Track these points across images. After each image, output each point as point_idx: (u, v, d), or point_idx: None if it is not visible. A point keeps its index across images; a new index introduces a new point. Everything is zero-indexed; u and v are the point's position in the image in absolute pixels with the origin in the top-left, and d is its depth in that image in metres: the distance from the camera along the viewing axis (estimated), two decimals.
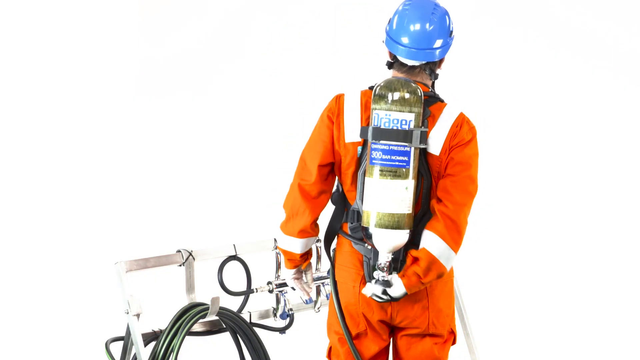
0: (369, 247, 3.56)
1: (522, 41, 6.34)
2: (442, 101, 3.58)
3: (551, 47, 6.29)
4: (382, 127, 3.44)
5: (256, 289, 4.15)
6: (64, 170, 6.36)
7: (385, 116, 3.44)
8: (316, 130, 3.62)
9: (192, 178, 6.74)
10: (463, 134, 3.54)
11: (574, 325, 6.10)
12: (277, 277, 4.20)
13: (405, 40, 3.53)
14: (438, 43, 3.55)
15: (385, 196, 3.44)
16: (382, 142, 3.43)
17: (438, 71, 3.62)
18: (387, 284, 3.48)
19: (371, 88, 3.57)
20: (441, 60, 3.62)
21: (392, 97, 3.44)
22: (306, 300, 3.97)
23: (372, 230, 3.47)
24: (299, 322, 4.29)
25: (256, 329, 4.12)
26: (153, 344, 3.86)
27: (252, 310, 4.19)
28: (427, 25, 3.53)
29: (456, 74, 6.27)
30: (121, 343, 3.91)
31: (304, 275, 3.81)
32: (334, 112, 3.57)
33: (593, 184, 6.24)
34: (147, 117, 6.79)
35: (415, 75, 3.58)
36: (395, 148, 3.43)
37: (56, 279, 6.21)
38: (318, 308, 4.28)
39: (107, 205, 6.56)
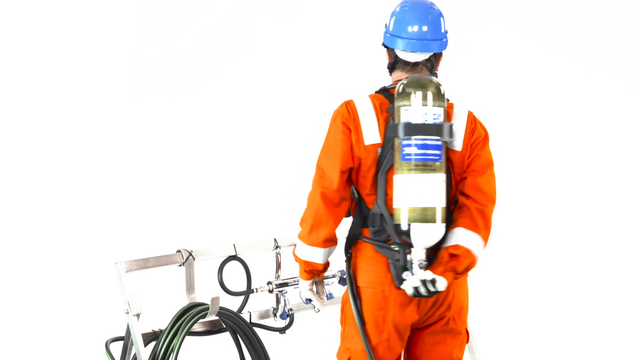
0: (396, 248, 3.55)
1: (522, 41, 6.34)
2: (447, 100, 3.64)
3: (551, 47, 6.30)
4: (415, 122, 3.48)
5: (256, 289, 4.15)
6: (64, 171, 6.36)
7: (417, 111, 3.49)
8: (331, 138, 3.61)
9: (192, 178, 6.74)
10: (480, 130, 3.66)
11: (574, 325, 6.10)
12: (277, 277, 4.20)
13: (406, 34, 3.60)
14: (438, 35, 3.63)
15: (424, 190, 3.48)
16: (415, 137, 3.48)
17: (435, 72, 3.68)
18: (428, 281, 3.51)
19: (379, 92, 3.63)
20: (439, 59, 3.69)
21: (422, 93, 3.50)
22: (307, 300, 3.98)
23: (413, 226, 3.48)
24: (299, 322, 4.29)
25: (256, 329, 4.12)
26: (153, 344, 3.86)
27: (252, 310, 4.19)
28: (427, 18, 3.62)
29: (457, 74, 6.28)
30: (121, 343, 3.91)
31: (315, 285, 3.80)
32: (348, 118, 3.59)
33: (593, 184, 6.24)
34: (147, 117, 6.79)
35: (418, 73, 3.64)
36: (429, 142, 3.49)
37: (56, 279, 6.21)
38: (318, 308, 4.28)
39: (107, 205, 6.56)
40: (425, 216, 3.47)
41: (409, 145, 3.49)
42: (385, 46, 3.68)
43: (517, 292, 6.24)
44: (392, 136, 3.53)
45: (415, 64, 3.63)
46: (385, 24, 3.67)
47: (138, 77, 6.78)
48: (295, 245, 3.71)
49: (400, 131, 3.49)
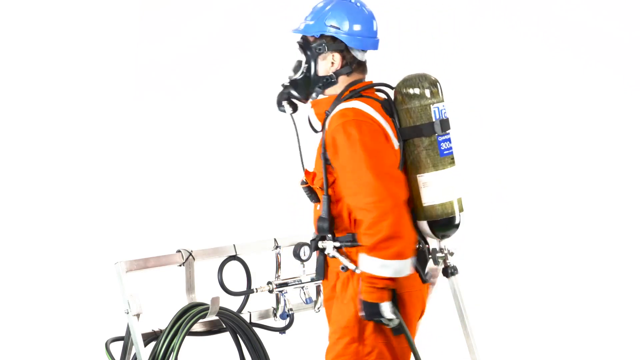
0: (418, 246, 3.59)
1: (521, 41, 6.34)
2: None
3: (550, 47, 6.30)
4: (443, 118, 3.54)
5: (256, 289, 4.15)
6: (64, 171, 6.36)
7: (443, 107, 3.55)
8: (372, 144, 3.47)
9: (191, 178, 6.74)
10: None
11: (574, 325, 6.10)
12: (277, 277, 4.20)
13: (371, 32, 3.59)
14: None
15: (458, 182, 3.58)
16: (445, 132, 3.54)
17: None
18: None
19: (354, 96, 3.55)
20: None
21: (440, 89, 3.56)
22: (307, 300, 3.97)
23: (458, 217, 3.56)
24: (299, 322, 4.29)
25: (256, 329, 4.12)
26: (153, 344, 3.86)
27: (252, 310, 4.18)
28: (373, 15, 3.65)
29: (457, 74, 6.29)
30: (121, 343, 3.91)
31: None
32: (376, 124, 3.52)
33: (593, 184, 6.24)
34: (147, 118, 6.79)
35: (367, 72, 3.64)
36: (449, 136, 3.57)
37: (56, 279, 6.21)
38: (318, 308, 4.28)
39: (107, 205, 6.56)
40: (463, 205, 3.60)
41: (444, 140, 3.54)
42: (345, 49, 3.57)
43: (517, 292, 6.24)
44: (427, 135, 3.53)
45: (365, 63, 3.62)
46: (333, 26, 3.56)
47: (138, 77, 6.78)
48: (371, 273, 3.47)
49: (438, 128, 3.52)
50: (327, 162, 3.54)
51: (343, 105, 3.53)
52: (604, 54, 6.19)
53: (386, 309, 3.49)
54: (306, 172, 3.63)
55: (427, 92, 3.52)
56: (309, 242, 3.71)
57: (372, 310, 3.49)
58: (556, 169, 6.29)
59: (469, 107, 6.27)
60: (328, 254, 3.58)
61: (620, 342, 6.02)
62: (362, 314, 3.51)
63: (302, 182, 3.62)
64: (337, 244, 3.57)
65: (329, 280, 3.63)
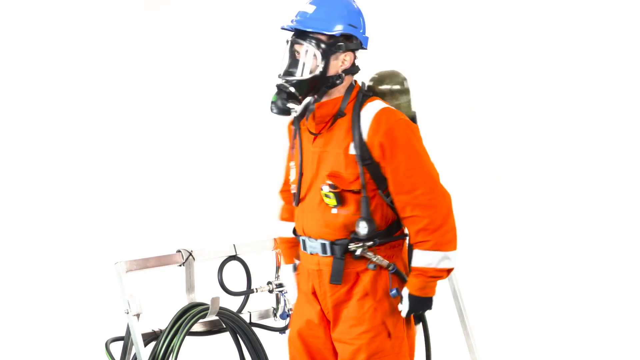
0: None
1: (521, 41, 6.34)
2: None
3: (549, 47, 6.30)
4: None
5: (256, 289, 4.16)
6: (64, 171, 6.36)
7: None
8: (422, 142, 3.52)
9: (192, 178, 6.74)
10: None
11: (574, 324, 6.10)
12: (277, 277, 4.20)
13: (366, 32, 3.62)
14: None
15: None
16: None
17: None
18: None
19: (365, 96, 3.56)
20: None
21: None
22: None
23: None
24: None
25: (256, 329, 4.12)
26: (153, 344, 3.86)
27: (252, 310, 4.19)
28: None
29: (456, 74, 6.28)
30: (121, 343, 3.91)
31: None
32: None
33: (593, 183, 6.24)
34: (147, 118, 6.79)
35: None
36: None
37: (56, 279, 6.22)
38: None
39: (107, 205, 6.57)
40: None
41: None
42: (355, 49, 3.55)
43: (517, 292, 6.24)
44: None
45: None
46: (353, 25, 3.52)
47: (138, 77, 6.79)
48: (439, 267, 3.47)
49: (416, 121, 3.58)
50: (364, 162, 3.48)
51: (377, 105, 3.49)
52: (604, 54, 6.19)
53: (433, 301, 3.52)
54: (334, 176, 3.52)
55: (407, 88, 3.57)
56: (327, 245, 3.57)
57: (424, 305, 3.49)
58: (556, 169, 6.28)
59: (469, 107, 6.27)
60: (357, 255, 3.51)
61: (621, 342, 6.02)
62: (407, 309, 3.48)
63: (333, 187, 3.50)
64: (370, 243, 3.50)
65: (345, 283, 3.54)
